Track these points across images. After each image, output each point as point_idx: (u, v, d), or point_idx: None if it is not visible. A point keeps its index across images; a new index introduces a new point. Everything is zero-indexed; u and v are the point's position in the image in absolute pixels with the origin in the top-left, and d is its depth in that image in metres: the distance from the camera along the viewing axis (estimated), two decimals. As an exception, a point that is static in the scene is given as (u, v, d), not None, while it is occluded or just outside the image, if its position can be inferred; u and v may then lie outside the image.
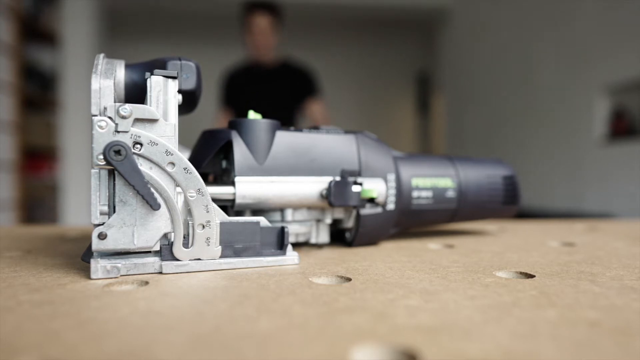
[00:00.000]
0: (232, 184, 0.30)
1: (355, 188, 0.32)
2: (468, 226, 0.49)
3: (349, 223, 0.34)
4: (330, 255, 0.31)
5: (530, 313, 0.18)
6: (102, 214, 0.24)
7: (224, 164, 0.33)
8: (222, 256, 0.26)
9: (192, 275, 0.25)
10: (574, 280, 0.24)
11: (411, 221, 0.37)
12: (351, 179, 0.32)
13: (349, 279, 0.24)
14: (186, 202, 0.25)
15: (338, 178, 0.32)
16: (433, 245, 0.36)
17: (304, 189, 0.31)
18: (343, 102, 3.80)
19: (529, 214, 1.83)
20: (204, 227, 0.26)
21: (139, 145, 0.24)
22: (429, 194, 0.36)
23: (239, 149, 0.30)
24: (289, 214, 0.32)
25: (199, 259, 0.26)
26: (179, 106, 0.26)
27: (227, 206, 0.31)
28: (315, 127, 0.34)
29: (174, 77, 0.25)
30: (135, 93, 0.27)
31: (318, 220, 0.34)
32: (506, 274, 0.26)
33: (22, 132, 2.07)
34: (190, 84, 0.27)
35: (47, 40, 2.38)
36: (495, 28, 2.59)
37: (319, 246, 0.35)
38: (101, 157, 0.23)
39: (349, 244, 0.35)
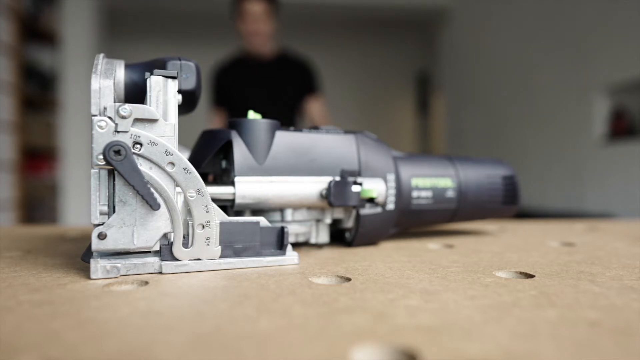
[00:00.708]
0: (232, 184, 0.30)
1: (355, 188, 0.32)
2: (468, 226, 0.49)
3: (349, 223, 0.34)
4: (330, 255, 0.31)
5: (530, 313, 0.18)
6: (102, 214, 0.24)
7: (223, 164, 0.33)
8: (221, 256, 0.26)
9: (192, 275, 0.25)
10: (574, 280, 0.24)
11: (411, 221, 0.37)
12: (351, 179, 0.32)
13: (349, 279, 0.24)
14: (186, 202, 0.25)
15: (338, 178, 0.32)
16: (433, 245, 0.36)
17: (303, 189, 0.31)
18: (343, 102, 3.80)
19: (529, 214, 1.83)
20: (203, 227, 0.26)
21: (138, 145, 0.24)
22: (428, 194, 0.36)
23: (239, 149, 0.30)
24: (288, 214, 0.32)
25: (199, 259, 0.26)
26: (179, 106, 0.26)
27: (227, 206, 0.31)
28: (315, 127, 0.34)
29: (173, 77, 0.25)
30: (135, 93, 0.27)
31: (318, 220, 0.34)
32: (506, 274, 0.26)
33: (22, 132, 2.07)
34: (190, 84, 0.27)
35: (47, 40, 2.38)
36: (495, 28, 2.59)
37: (318, 246, 0.35)
38: (101, 157, 0.23)
39: (348, 244, 0.35)
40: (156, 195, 0.24)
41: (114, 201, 0.24)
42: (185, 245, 0.25)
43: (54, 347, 0.15)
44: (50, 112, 2.43)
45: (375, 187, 0.33)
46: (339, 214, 0.34)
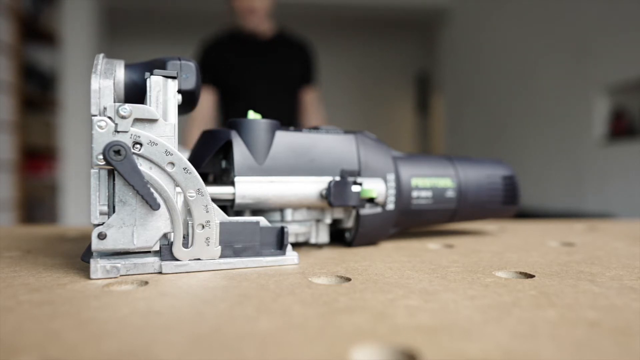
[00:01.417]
0: (232, 184, 0.30)
1: (355, 188, 0.32)
2: (468, 226, 0.49)
3: (349, 223, 0.34)
4: (330, 255, 0.31)
5: (530, 313, 0.18)
6: (101, 214, 0.24)
7: (223, 164, 0.33)
8: (221, 256, 0.26)
9: (191, 275, 0.25)
10: (574, 280, 0.24)
11: (411, 221, 0.37)
12: (351, 179, 0.32)
13: (349, 279, 0.24)
14: (186, 202, 0.25)
15: (338, 178, 0.32)
16: (433, 245, 0.36)
17: (303, 189, 0.31)
18: (343, 102, 3.80)
19: (529, 214, 1.83)
20: (203, 227, 0.26)
21: (138, 145, 0.24)
22: (428, 194, 0.36)
23: (239, 149, 0.30)
24: (288, 214, 0.32)
25: (199, 259, 0.26)
26: (179, 106, 0.26)
27: (227, 206, 0.31)
28: (315, 128, 0.34)
29: (173, 77, 0.25)
30: (135, 93, 0.27)
31: (318, 220, 0.34)
32: (506, 274, 0.26)
33: (22, 132, 2.07)
34: (189, 84, 0.27)
35: (47, 40, 2.38)
36: (495, 28, 2.59)
37: (318, 246, 0.35)
38: (101, 157, 0.23)
39: (348, 244, 0.35)
40: (156, 195, 0.24)
41: (113, 201, 0.24)
42: (185, 245, 0.25)
43: (54, 347, 0.15)
44: (50, 112, 2.43)
45: (375, 187, 0.33)
46: (338, 214, 0.34)
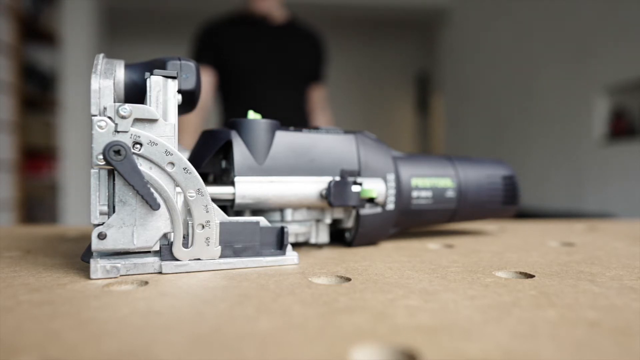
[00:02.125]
0: (232, 184, 0.30)
1: (355, 188, 0.32)
2: (468, 226, 0.49)
3: (349, 223, 0.34)
4: (329, 255, 0.31)
5: (530, 313, 0.18)
6: (101, 214, 0.24)
7: (223, 164, 0.33)
8: (221, 256, 0.26)
9: (191, 275, 0.25)
10: (574, 280, 0.24)
11: (411, 221, 0.37)
12: (351, 179, 0.32)
13: (349, 279, 0.24)
14: (186, 202, 0.25)
15: (338, 178, 0.32)
16: (432, 245, 0.36)
17: (303, 189, 0.31)
18: (343, 102, 3.80)
19: (529, 214, 1.83)
20: (203, 227, 0.26)
21: (138, 145, 0.24)
22: (428, 194, 0.36)
23: (239, 149, 0.30)
24: (288, 214, 0.32)
25: (199, 259, 0.26)
26: (179, 106, 0.26)
27: (227, 206, 0.31)
28: (315, 128, 0.34)
29: (173, 77, 0.25)
30: (135, 93, 0.27)
31: (318, 220, 0.34)
32: (506, 274, 0.26)
33: (22, 132, 2.07)
34: (189, 84, 0.27)
35: (46, 40, 2.38)
36: (495, 28, 2.59)
37: (318, 246, 0.35)
38: (101, 157, 0.23)
39: (348, 244, 0.35)
40: (156, 195, 0.24)
41: (113, 201, 0.24)
42: (185, 245, 0.25)
43: (54, 347, 0.15)
44: (50, 112, 2.43)
45: (375, 187, 0.33)
46: (338, 214, 0.34)
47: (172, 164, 0.24)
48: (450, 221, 0.39)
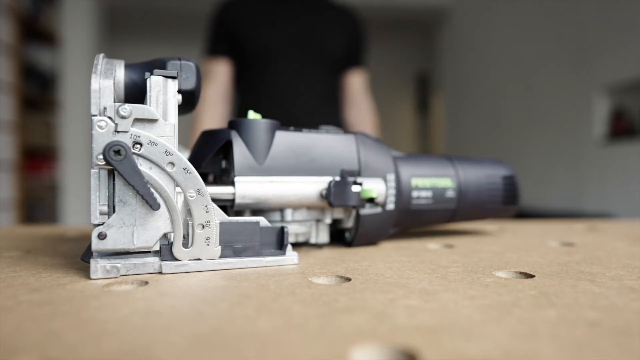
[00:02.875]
0: (232, 184, 0.30)
1: (355, 188, 0.32)
2: (468, 226, 0.49)
3: (349, 223, 0.34)
4: (329, 255, 0.31)
5: (530, 313, 0.18)
6: (101, 214, 0.24)
7: (223, 164, 0.33)
8: (221, 256, 0.26)
9: (191, 275, 0.25)
10: (574, 280, 0.24)
11: (411, 221, 0.37)
12: (351, 179, 0.32)
13: (349, 279, 0.24)
14: (186, 202, 0.25)
15: (338, 178, 0.32)
16: (432, 245, 0.36)
17: (303, 189, 0.31)
18: (343, 102, 3.79)
19: (529, 214, 1.83)
20: (203, 227, 0.26)
21: (138, 145, 0.24)
22: (428, 194, 0.36)
23: (239, 149, 0.30)
24: (288, 214, 0.32)
25: (199, 259, 0.26)
26: (179, 106, 0.26)
27: (227, 206, 0.31)
28: (315, 128, 0.34)
29: (173, 77, 0.25)
30: (135, 93, 0.27)
31: (318, 220, 0.34)
32: (506, 274, 0.26)
33: (22, 132, 2.07)
34: (189, 84, 0.27)
35: (46, 40, 2.39)
36: (495, 28, 2.59)
37: (318, 246, 0.35)
38: (101, 157, 0.23)
39: (348, 244, 0.35)
40: (156, 195, 0.24)
41: (113, 201, 0.24)
42: (185, 245, 0.25)
43: (54, 347, 0.15)
44: (50, 112, 2.43)
45: (375, 187, 0.33)
46: (338, 214, 0.34)
47: (172, 164, 0.24)
48: (450, 221, 0.39)
